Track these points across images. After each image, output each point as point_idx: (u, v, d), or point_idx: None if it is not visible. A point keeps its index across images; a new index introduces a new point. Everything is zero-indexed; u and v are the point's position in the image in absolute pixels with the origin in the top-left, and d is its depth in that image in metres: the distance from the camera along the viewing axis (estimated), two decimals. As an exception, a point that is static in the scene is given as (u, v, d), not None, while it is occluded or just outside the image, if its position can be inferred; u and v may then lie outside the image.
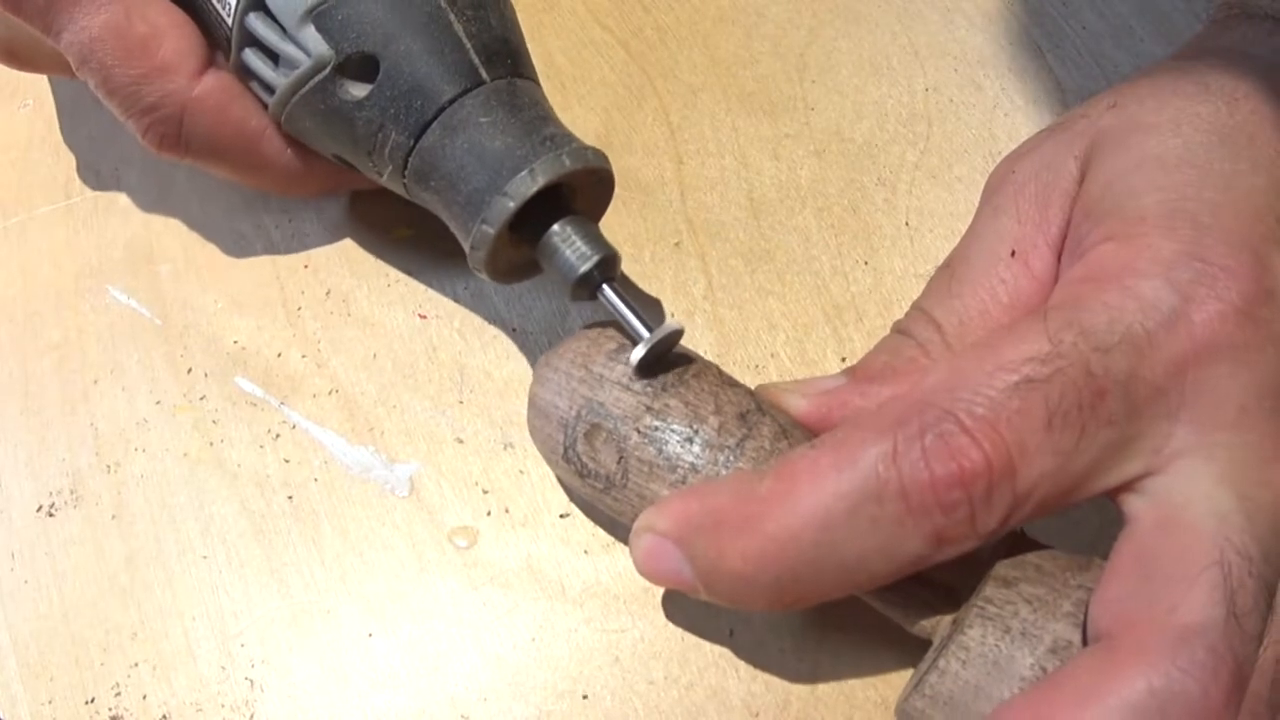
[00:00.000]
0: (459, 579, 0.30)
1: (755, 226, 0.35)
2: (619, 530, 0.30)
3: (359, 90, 0.28)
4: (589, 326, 0.29)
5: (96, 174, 0.37)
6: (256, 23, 0.29)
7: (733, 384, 0.27)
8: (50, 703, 0.29)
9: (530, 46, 0.39)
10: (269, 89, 0.30)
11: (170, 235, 0.36)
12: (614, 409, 0.26)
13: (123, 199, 0.36)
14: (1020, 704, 0.22)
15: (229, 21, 0.30)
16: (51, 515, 0.31)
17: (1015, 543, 0.25)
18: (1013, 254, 0.27)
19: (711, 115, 0.37)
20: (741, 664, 0.28)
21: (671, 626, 0.29)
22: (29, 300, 0.35)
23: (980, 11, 0.39)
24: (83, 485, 0.31)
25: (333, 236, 0.35)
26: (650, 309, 0.33)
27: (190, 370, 0.33)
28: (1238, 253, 0.23)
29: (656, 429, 0.26)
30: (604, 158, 0.28)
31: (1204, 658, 0.21)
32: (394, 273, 0.34)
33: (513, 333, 0.33)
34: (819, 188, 0.36)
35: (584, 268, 0.27)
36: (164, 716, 0.28)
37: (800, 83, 0.38)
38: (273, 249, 0.35)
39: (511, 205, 0.26)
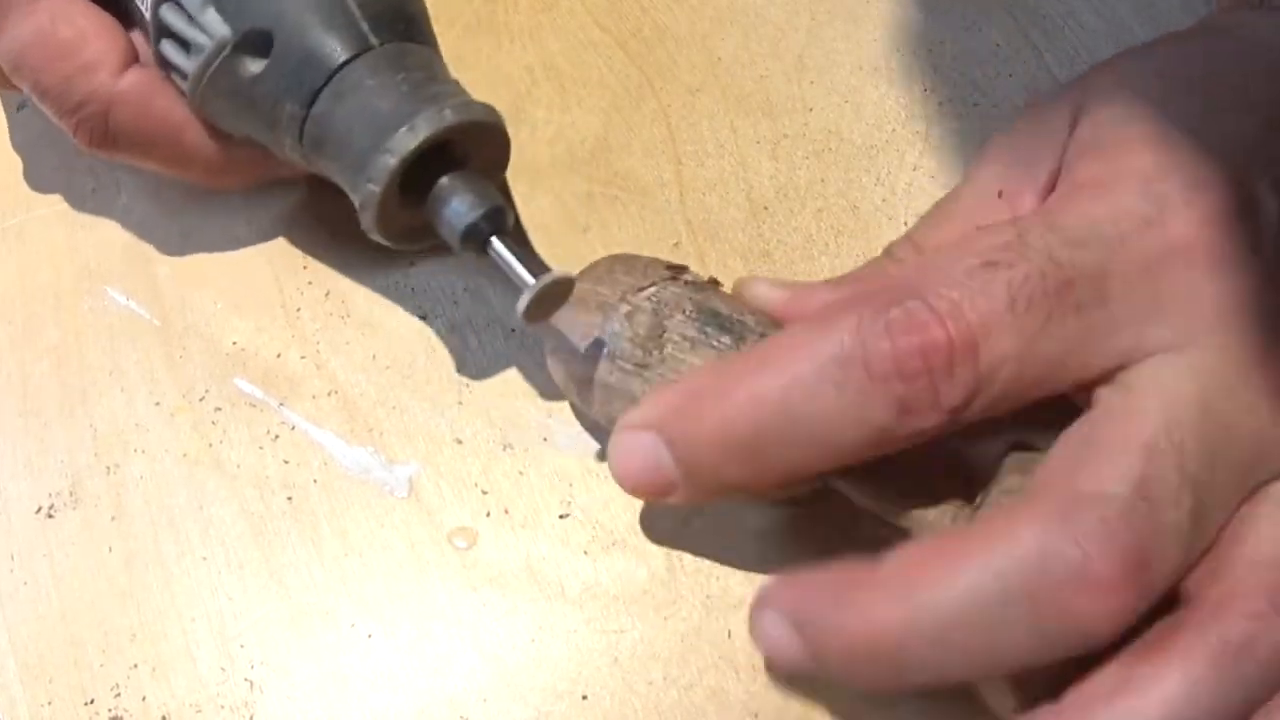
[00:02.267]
0: (458, 580, 0.30)
1: (754, 227, 0.35)
2: (619, 529, 0.30)
3: (256, 66, 0.29)
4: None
5: (95, 175, 0.37)
6: (168, 13, 0.30)
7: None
8: (49, 704, 0.29)
9: (529, 47, 0.39)
10: (185, 77, 0.31)
11: (169, 237, 0.36)
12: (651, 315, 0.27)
13: (121, 200, 0.36)
14: (914, 549, 0.22)
15: (148, 16, 0.31)
16: (50, 517, 0.31)
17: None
18: (1000, 194, 0.27)
19: (710, 116, 0.37)
20: (741, 664, 0.28)
21: (671, 627, 0.29)
22: (27, 302, 0.35)
23: (979, 11, 0.39)
24: (81, 487, 0.31)
25: (331, 238, 0.35)
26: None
27: (189, 371, 0.33)
28: (1218, 171, 0.24)
29: (699, 327, 0.27)
30: (494, 112, 0.28)
31: (1094, 527, 0.21)
32: (393, 273, 0.34)
33: (511, 333, 0.33)
34: (818, 188, 0.36)
35: (470, 218, 0.27)
36: (163, 717, 0.28)
37: (799, 83, 0.38)
38: (271, 250, 0.35)
39: (393, 161, 0.27)
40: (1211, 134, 0.25)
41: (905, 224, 0.35)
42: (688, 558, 0.30)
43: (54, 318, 0.34)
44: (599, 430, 0.31)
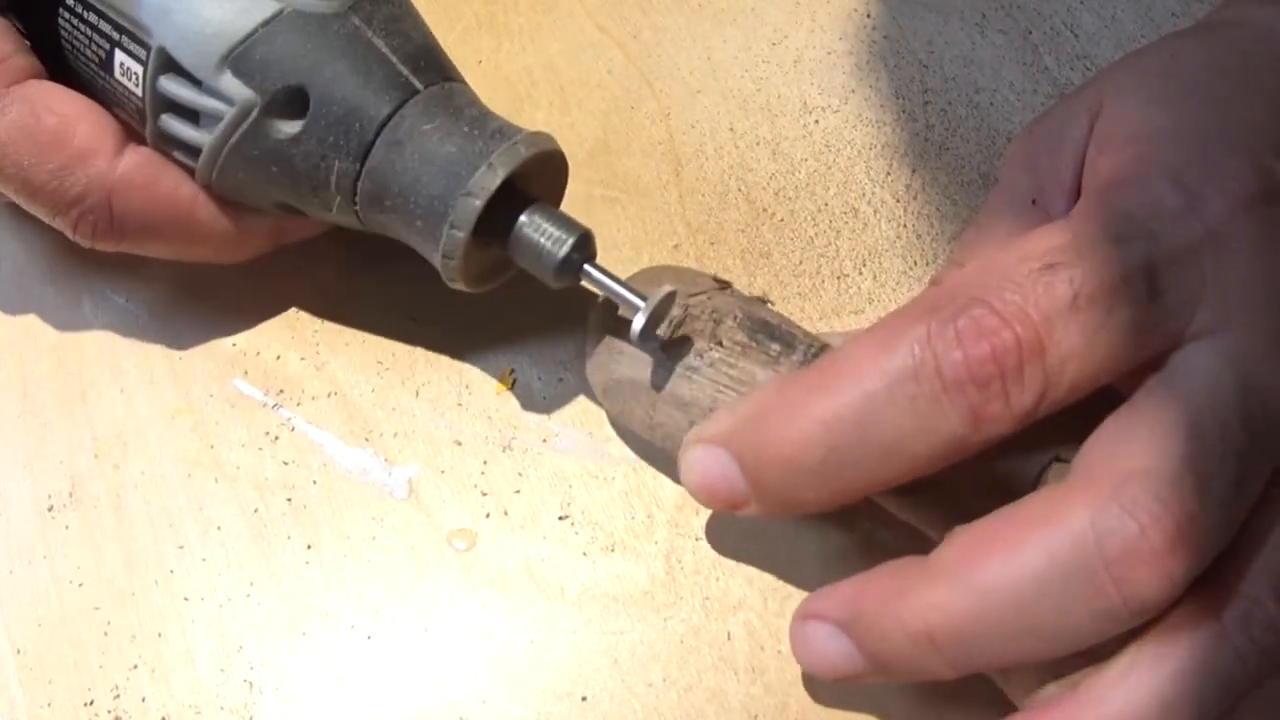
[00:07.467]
0: (458, 581, 0.30)
1: (754, 229, 0.35)
2: (618, 530, 0.30)
3: (291, 127, 0.28)
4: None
5: (95, 176, 0.37)
6: (169, 84, 0.28)
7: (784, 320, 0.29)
8: (49, 705, 0.29)
9: (529, 49, 0.39)
10: (194, 151, 0.29)
11: (169, 237, 0.36)
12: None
13: (121, 201, 0.36)
14: (976, 527, 0.23)
15: (139, 92, 0.29)
16: (50, 518, 0.31)
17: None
18: (1034, 203, 0.28)
19: (710, 117, 0.37)
20: (741, 666, 0.28)
21: (670, 628, 0.29)
22: (27, 302, 0.35)
23: (979, 14, 0.39)
24: (81, 487, 0.31)
25: (331, 237, 0.35)
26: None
27: (189, 372, 0.33)
28: (1240, 157, 0.25)
29: (750, 334, 0.27)
30: (553, 140, 0.28)
31: (1147, 502, 0.21)
32: (393, 274, 0.34)
33: (512, 334, 0.33)
34: (818, 190, 0.36)
35: (563, 251, 0.27)
36: (163, 718, 0.28)
37: (798, 85, 0.38)
38: (270, 250, 0.35)
39: (478, 204, 0.26)
40: (1226, 123, 0.26)
41: (906, 226, 0.35)
42: (687, 559, 0.30)
43: (54, 318, 0.34)
44: (631, 437, 0.32)
